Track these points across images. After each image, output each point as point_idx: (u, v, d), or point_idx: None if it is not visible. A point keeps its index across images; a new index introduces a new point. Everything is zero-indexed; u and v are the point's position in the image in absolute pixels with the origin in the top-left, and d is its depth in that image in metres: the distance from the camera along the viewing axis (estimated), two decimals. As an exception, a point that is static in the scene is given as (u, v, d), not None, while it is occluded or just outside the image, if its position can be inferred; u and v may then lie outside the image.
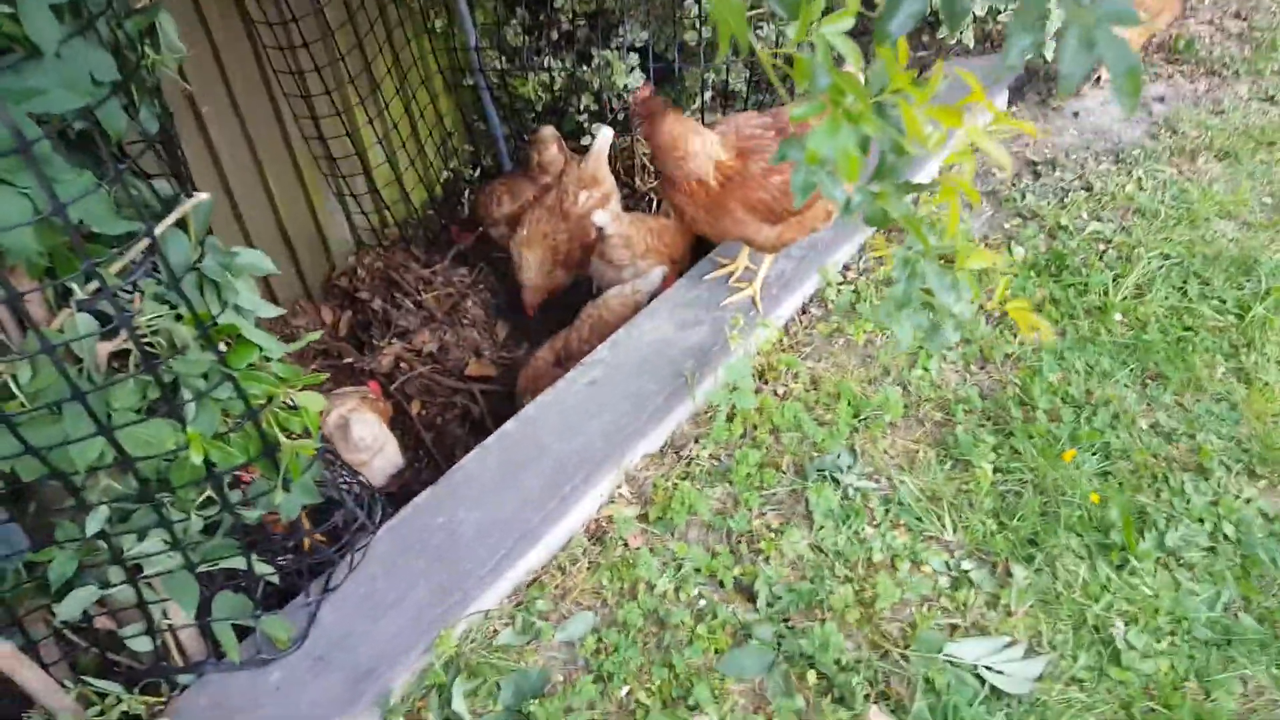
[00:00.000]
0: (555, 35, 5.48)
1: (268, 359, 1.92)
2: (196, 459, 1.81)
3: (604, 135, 4.76)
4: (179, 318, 1.71)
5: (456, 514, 2.85)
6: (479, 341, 4.88)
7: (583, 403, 3.27)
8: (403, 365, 4.81)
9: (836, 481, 2.98)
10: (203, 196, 1.66)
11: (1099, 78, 5.47)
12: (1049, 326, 1.80)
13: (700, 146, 3.23)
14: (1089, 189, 4.41)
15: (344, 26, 4.66)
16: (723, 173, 3.26)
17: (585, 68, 5.30)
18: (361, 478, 2.79)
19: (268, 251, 4.93)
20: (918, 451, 3.11)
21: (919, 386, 3.39)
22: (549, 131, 5.03)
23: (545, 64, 5.38)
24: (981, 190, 4.54)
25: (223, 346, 1.86)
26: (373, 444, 3.90)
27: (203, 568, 2.15)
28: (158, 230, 1.62)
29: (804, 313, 3.89)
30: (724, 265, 3.88)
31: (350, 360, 4.97)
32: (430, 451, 4.41)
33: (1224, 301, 3.64)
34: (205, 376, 1.79)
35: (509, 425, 3.20)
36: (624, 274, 4.58)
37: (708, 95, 5.57)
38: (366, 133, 5.06)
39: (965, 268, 1.77)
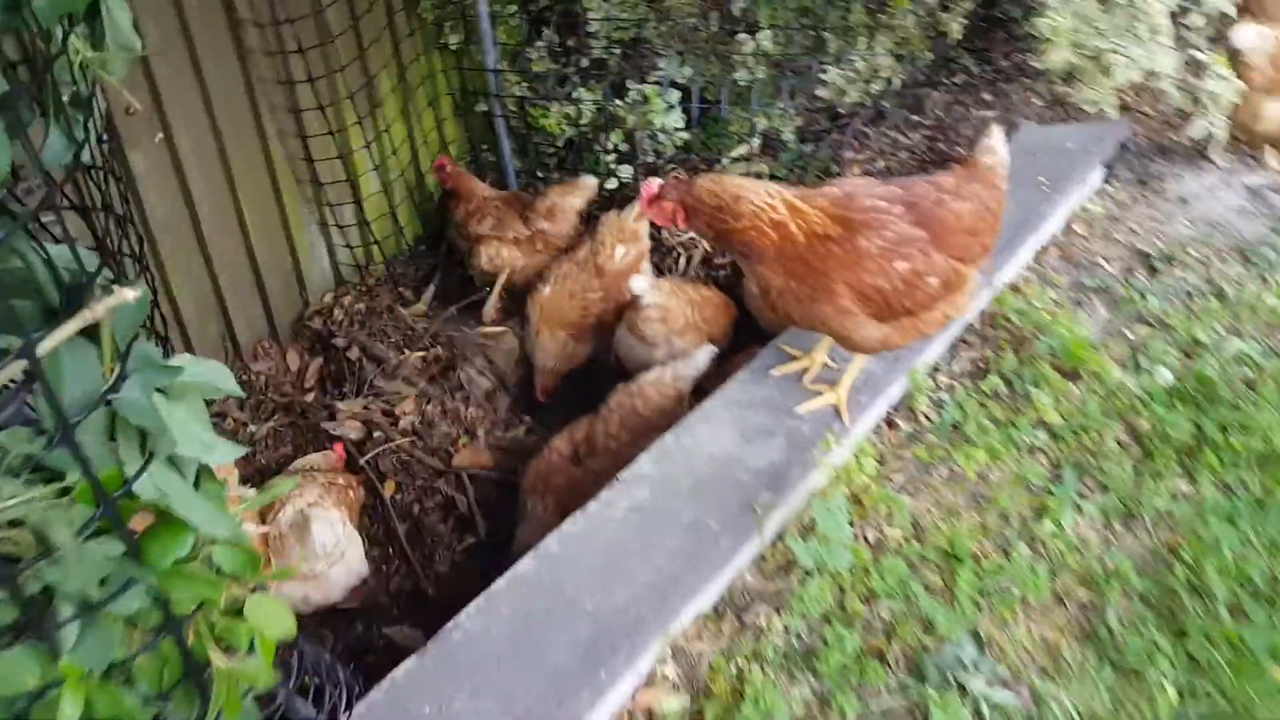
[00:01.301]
0: (585, 63, 4.90)
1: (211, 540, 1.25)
2: (71, 710, 1.12)
3: (651, 185, 4.19)
4: (65, 491, 1.04)
5: (452, 702, 2.15)
6: (473, 418, 4.19)
7: (624, 538, 2.59)
8: (377, 434, 4.11)
9: (963, 688, 2.32)
10: (127, 295, 0.99)
11: (1204, 152, 4.93)
12: None
13: (748, 181, 2.66)
14: (1220, 295, 3.84)
15: (346, 33, 4.04)
16: (809, 225, 2.64)
17: (619, 102, 4.71)
18: (325, 658, 2.09)
19: (233, 281, 4.31)
20: (1062, 646, 2.46)
21: (1053, 547, 2.75)
22: (590, 182, 4.45)
23: (573, 94, 4.79)
24: (1087, 285, 3.97)
25: (137, 521, 1.19)
26: (333, 551, 3.20)
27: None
28: (41, 348, 0.96)
29: (891, 427, 3.26)
30: (796, 358, 3.25)
31: (315, 420, 4.27)
32: (405, 550, 3.72)
33: None
34: (103, 581, 1.12)
35: (526, 565, 2.52)
36: (656, 352, 3.94)
37: (755, 142, 5.00)
38: (361, 158, 4.41)
39: None
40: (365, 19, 4.16)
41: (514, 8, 4.79)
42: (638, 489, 2.75)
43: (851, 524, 2.78)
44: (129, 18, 1.56)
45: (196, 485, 1.28)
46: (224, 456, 1.30)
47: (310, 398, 4.36)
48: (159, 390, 1.21)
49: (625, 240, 4.17)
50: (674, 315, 3.88)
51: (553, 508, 3.35)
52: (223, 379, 1.31)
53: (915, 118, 5.78)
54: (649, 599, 2.42)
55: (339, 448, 3.81)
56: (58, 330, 0.97)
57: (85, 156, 1.45)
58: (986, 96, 5.98)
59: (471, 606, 2.40)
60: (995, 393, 3.36)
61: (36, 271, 1.05)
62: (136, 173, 3.60)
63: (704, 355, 3.64)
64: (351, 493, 3.50)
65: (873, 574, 2.65)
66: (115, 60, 1.56)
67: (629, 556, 2.54)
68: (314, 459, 3.69)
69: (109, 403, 1.09)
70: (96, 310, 0.98)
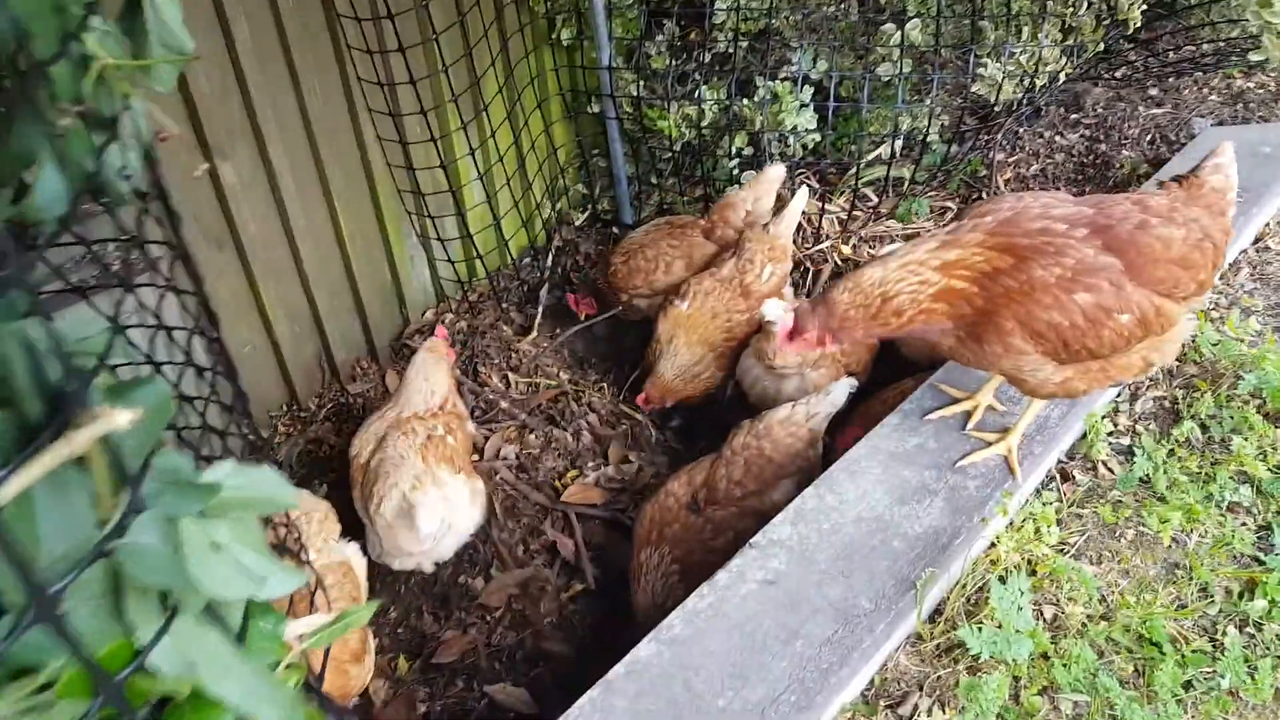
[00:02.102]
0: (708, 58, 4.55)
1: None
2: None
3: (801, 196, 3.87)
4: (45, 688, 0.76)
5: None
6: (582, 451, 3.88)
7: (759, 618, 2.24)
8: (480, 464, 3.85)
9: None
10: (117, 420, 0.70)
11: None
12: None
13: (880, 268, 2.28)
14: None
15: (450, 29, 3.78)
16: (974, 271, 2.24)
17: (745, 101, 4.35)
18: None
19: (330, 297, 4.03)
20: (1306, 772, 2.01)
21: (1269, 631, 2.29)
22: (779, 172, 4.10)
23: (694, 93, 4.44)
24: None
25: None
26: (440, 530, 3.09)
27: None
28: (2, 494, 0.67)
29: (1066, 479, 2.82)
30: (956, 399, 2.83)
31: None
32: (509, 598, 3.43)
33: None
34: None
35: (645, 651, 2.19)
36: (786, 385, 3.57)
37: (898, 144, 4.57)
38: (465, 166, 4.16)
39: None
40: (472, 13, 3.90)
41: (631, -1, 4.48)
42: (773, 557, 2.38)
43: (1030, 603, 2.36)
44: (178, 11, 1.28)
45: (243, 632, 0.99)
46: (279, 589, 1.00)
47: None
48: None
49: (775, 259, 3.83)
50: None
51: (669, 559, 3.02)
52: (277, 491, 1.01)
53: (1074, 115, 5.24)
54: (791, 696, 2.06)
55: (441, 330, 3.85)
56: (22, 471, 0.67)
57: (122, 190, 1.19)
58: (1154, 92, 5.39)
59: (585, 699, 2.08)
60: (1189, 440, 2.88)
61: (14, 371, 0.76)
62: (228, 185, 3.43)
63: (841, 390, 3.26)
64: (451, 439, 3.31)
65: (1054, 660, 2.23)
66: (158, 67, 1.29)
67: (765, 641, 2.18)
68: (428, 344, 3.65)
69: (106, 557, 0.80)
70: (76, 441, 0.69)
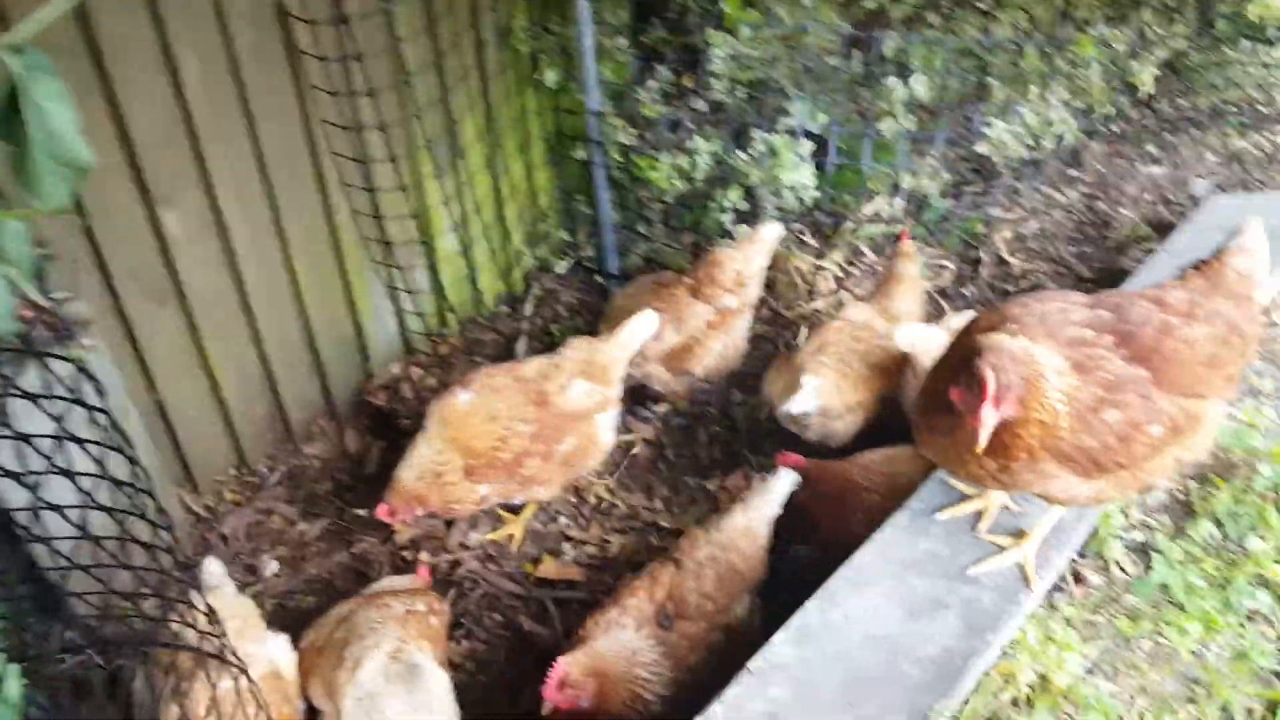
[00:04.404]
0: (703, 106, 4.41)
1: None
2: None
3: (646, 320, 3.54)
4: None
5: None
6: (553, 537, 3.65)
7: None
8: (431, 545, 3.59)
9: None
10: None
11: None
12: None
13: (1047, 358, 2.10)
14: None
15: (426, 71, 3.62)
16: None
17: (742, 154, 4.21)
18: None
19: (284, 353, 3.63)
20: None
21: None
22: (775, 232, 3.92)
23: (687, 143, 4.29)
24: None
25: None
26: (442, 700, 2.69)
27: None
28: None
29: (1078, 581, 2.69)
30: (968, 497, 2.69)
31: (364, 516, 3.78)
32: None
33: None
34: None
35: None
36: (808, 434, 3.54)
37: (898, 203, 4.45)
38: (439, 215, 3.99)
39: None
40: (451, 54, 3.73)
41: (624, 41, 4.32)
42: (774, 684, 2.22)
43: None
44: (72, 116, 1.10)
45: None
46: None
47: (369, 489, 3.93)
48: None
49: (593, 376, 3.35)
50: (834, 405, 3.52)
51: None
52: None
53: (1072, 172, 5.18)
54: None
55: (424, 570, 3.31)
56: None
57: None
58: (1151, 149, 5.35)
59: None
60: (1206, 541, 2.77)
61: None
62: (170, 236, 3.22)
63: (784, 483, 3.11)
64: (435, 620, 2.99)
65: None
66: (46, 182, 1.11)
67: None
68: (398, 582, 3.22)
69: None
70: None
